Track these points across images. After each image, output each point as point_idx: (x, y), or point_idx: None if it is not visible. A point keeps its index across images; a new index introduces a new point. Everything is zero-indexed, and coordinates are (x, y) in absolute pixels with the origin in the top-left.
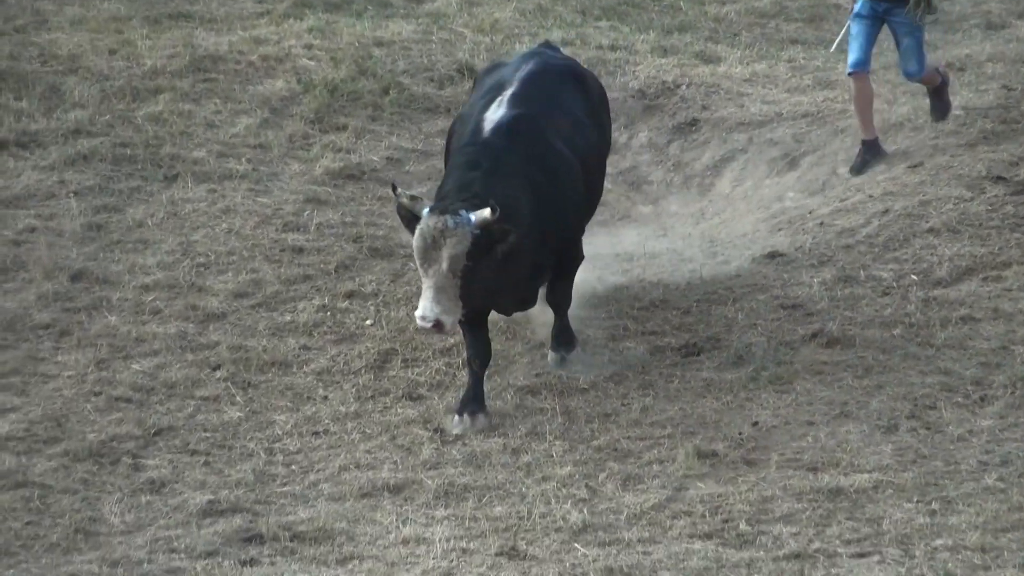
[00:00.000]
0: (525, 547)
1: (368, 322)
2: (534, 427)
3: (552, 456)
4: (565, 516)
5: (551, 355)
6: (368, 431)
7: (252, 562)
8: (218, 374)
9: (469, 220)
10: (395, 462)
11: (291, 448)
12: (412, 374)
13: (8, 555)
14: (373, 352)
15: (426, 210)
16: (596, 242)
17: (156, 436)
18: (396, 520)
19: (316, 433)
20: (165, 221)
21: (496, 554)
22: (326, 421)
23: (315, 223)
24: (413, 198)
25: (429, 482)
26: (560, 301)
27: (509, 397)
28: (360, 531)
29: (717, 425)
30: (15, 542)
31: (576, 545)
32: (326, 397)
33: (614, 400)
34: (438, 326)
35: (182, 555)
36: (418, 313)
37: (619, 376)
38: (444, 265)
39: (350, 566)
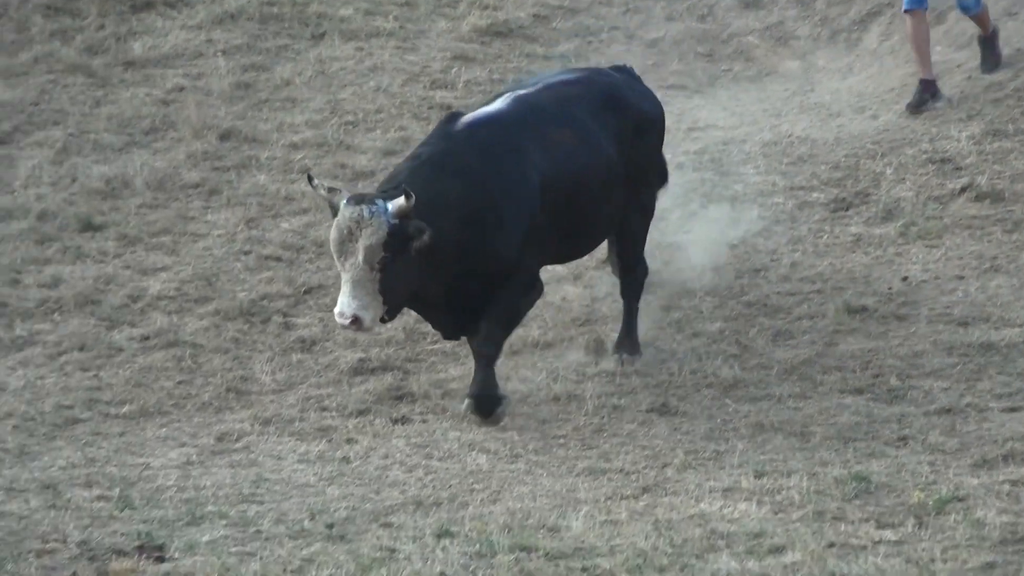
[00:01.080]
0: (676, 403)
1: None
2: (683, 284)
3: (702, 312)
4: (716, 372)
5: (465, 401)
6: None
7: (403, 420)
8: None
9: (385, 209)
10: (545, 320)
11: None
12: None
13: (161, 414)
14: None
15: (343, 201)
16: (743, 98)
17: (306, 295)
18: (547, 377)
19: None
20: (313, 80)
21: (647, 410)
22: None
23: (462, 80)
24: (331, 189)
25: (580, 339)
26: (481, 342)
27: (657, 254)
28: (511, 388)
29: (867, 280)
30: (167, 401)
31: (727, 401)
32: None
33: (763, 256)
34: (356, 322)
35: (333, 413)
36: (336, 309)
37: (767, 231)
38: (360, 257)
39: (501, 424)
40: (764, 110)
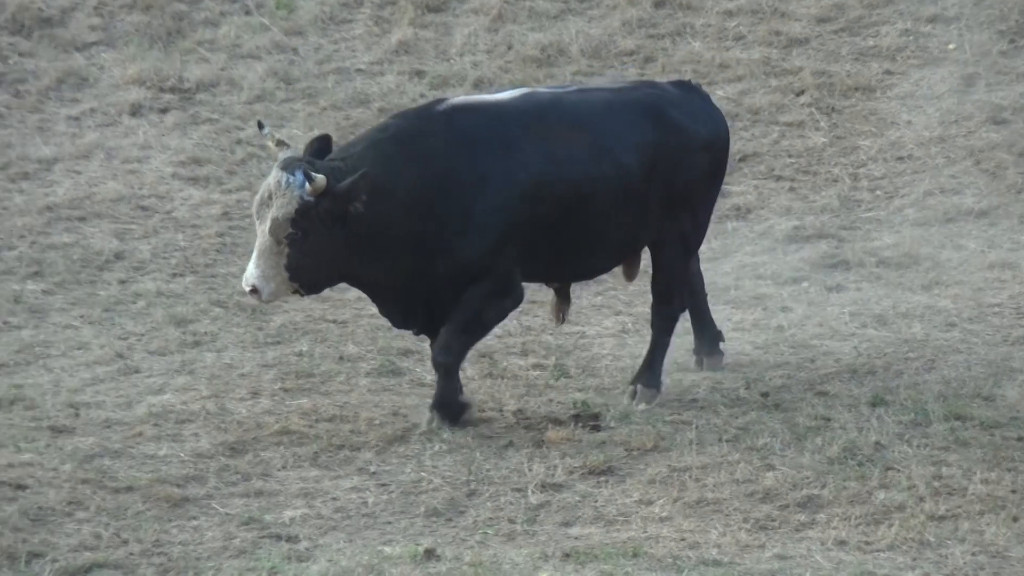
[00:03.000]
0: None
1: (951, 46)
2: None
3: None
4: None
5: (427, 413)
6: (952, 155)
7: (837, 288)
8: (802, 99)
9: (302, 183)
10: (979, 187)
11: (875, 174)
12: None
13: (596, 282)
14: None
15: (278, 161)
16: None
17: (741, 162)
18: (982, 245)
19: (900, 158)
20: None
21: None
22: (910, 146)
23: None
24: (280, 143)
25: (1015, 207)
26: (437, 351)
27: None
28: (945, 256)
29: None
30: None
31: None
32: (909, 122)
33: None
34: (254, 292)
35: (768, 281)
36: (243, 275)
37: None
38: (266, 226)
39: (935, 291)
40: None
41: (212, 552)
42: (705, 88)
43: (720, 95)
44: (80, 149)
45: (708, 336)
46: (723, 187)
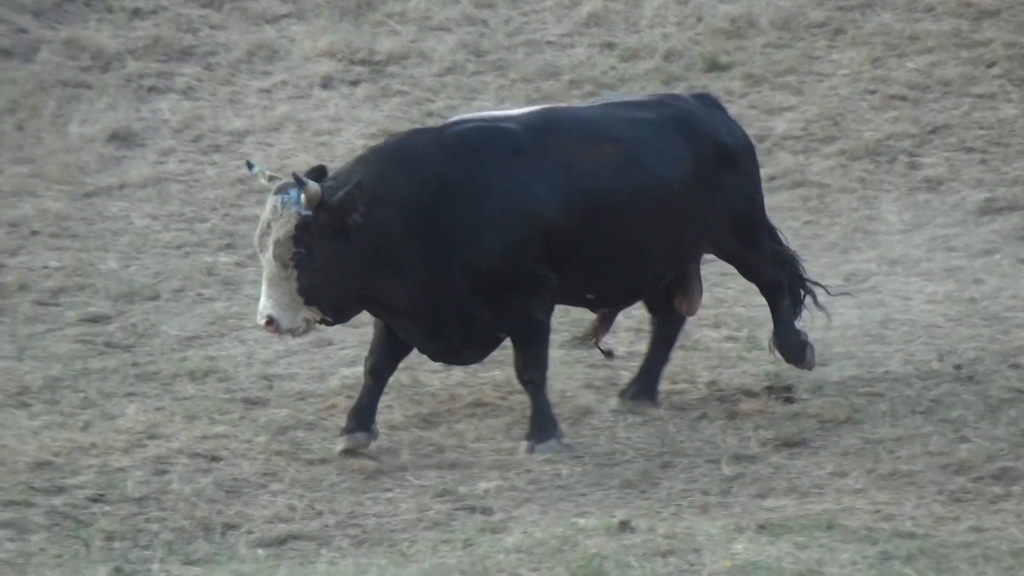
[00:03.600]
0: None
1: None
2: None
3: None
4: None
5: (522, 443)
6: None
7: None
8: (993, 71)
9: (297, 198)
10: None
11: None
12: None
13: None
14: None
15: (272, 190)
16: None
17: (931, 134)
18: None
19: None
20: None
21: None
22: None
23: None
24: (272, 178)
25: None
26: (521, 370)
27: None
28: None
29: None
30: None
31: None
32: None
33: None
34: (272, 325)
35: (960, 253)
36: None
37: None
38: (270, 252)
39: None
40: None
41: (407, 524)
42: (895, 59)
43: (911, 66)
44: (271, 121)
45: (647, 382)
46: (915, 159)
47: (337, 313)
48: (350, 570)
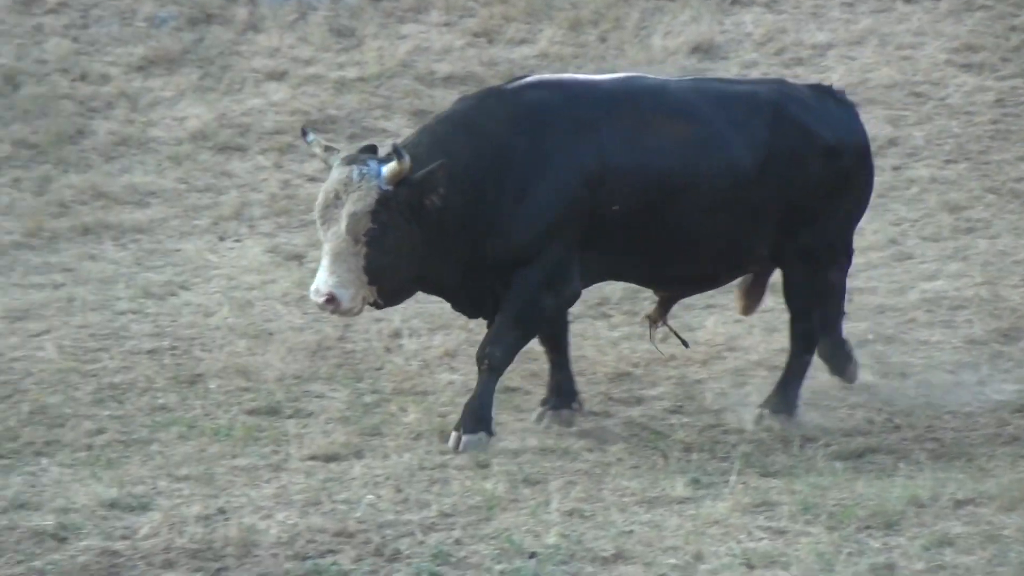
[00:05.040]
0: None
1: None
2: None
3: None
4: None
5: (453, 435)
6: None
7: None
8: None
9: (378, 172)
10: None
11: None
12: None
13: None
14: None
15: (336, 161)
16: None
17: None
18: None
19: None
20: None
21: None
22: None
23: None
24: (328, 148)
25: None
26: (484, 343)
27: None
28: None
29: None
30: None
31: None
32: None
33: None
34: (332, 302)
35: None
36: (312, 285)
37: None
38: (342, 225)
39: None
40: None
41: (984, 439)
42: None
43: None
44: (853, 35)
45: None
46: None
47: (392, 295)
48: (927, 483)
